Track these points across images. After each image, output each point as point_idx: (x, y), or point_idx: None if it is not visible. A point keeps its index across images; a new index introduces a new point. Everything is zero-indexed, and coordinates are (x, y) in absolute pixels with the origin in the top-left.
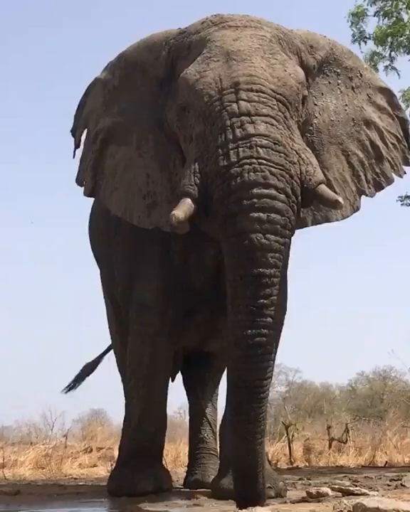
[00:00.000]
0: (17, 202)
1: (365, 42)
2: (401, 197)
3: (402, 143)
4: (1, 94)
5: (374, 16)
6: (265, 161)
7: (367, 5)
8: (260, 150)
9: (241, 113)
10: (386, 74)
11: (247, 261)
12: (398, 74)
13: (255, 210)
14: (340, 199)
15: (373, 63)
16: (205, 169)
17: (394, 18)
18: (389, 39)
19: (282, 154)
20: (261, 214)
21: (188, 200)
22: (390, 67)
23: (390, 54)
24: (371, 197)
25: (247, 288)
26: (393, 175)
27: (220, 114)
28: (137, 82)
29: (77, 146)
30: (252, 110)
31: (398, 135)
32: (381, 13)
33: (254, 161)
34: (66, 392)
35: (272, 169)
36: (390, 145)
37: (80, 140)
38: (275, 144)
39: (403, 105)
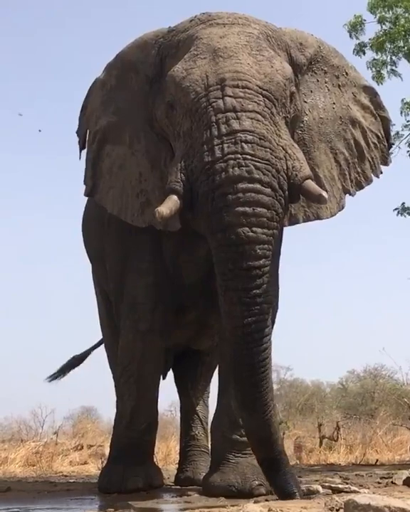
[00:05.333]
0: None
1: (363, 52)
2: (398, 208)
3: (382, 142)
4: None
5: (379, 22)
6: (249, 156)
7: (369, 10)
8: (244, 145)
9: (227, 109)
10: (391, 79)
11: (235, 255)
12: (401, 78)
13: (240, 204)
14: (324, 194)
15: (377, 69)
16: (191, 166)
17: (389, 25)
18: (387, 45)
19: (268, 149)
20: (247, 208)
21: (174, 197)
22: (391, 71)
23: (391, 58)
24: (353, 196)
25: (237, 281)
26: (372, 175)
27: (206, 110)
28: (130, 81)
29: (81, 147)
30: (237, 106)
31: (379, 134)
32: (378, 17)
33: (239, 156)
34: (50, 381)
35: (257, 164)
36: (371, 144)
37: (84, 141)
38: (260, 139)
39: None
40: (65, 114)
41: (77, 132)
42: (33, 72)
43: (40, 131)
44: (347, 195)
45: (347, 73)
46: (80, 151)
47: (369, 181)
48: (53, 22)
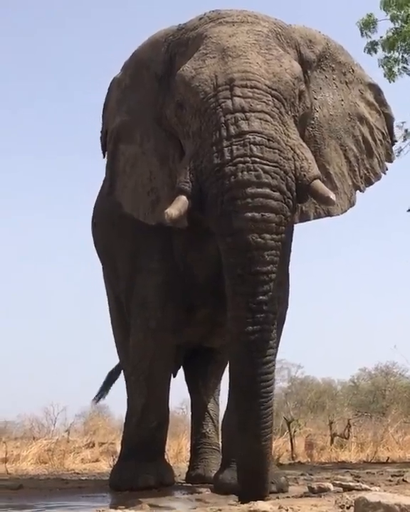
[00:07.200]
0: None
1: (375, 50)
2: None
3: (386, 139)
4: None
5: (391, 20)
6: (258, 159)
7: (382, 8)
8: (253, 147)
9: (235, 109)
10: (402, 76)
11: (244, 260)
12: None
13: (249, 209)
14: (332, 195)
15: (389, 67)
16: (200, 166)
17: (401, 23)
18: (399, 43)
19: (276, 150)
20: (255, 213)
21: (183, 197)
22: (403, 68)
23: (402, 56)
24: (362, 192)
25: (245, 286)
26: (380, 171)
27: (214, 110)
28: (142, 80)
29: (103, 145)
30: (246, 106)
31: (383, 131)
32: (389, 16)
33: (248, 159)
34: (96, 402)
35: (266, 167)
36: (378, 141)
37: (105, 140)
38: (268, 140)
39: None
40: (65, 114)
41: (101, 131)
42: (33, 72)
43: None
44: (357, 191)
45: (353, 70)
46: (103, 150)
47: (378, 177)
48: (53, 22)
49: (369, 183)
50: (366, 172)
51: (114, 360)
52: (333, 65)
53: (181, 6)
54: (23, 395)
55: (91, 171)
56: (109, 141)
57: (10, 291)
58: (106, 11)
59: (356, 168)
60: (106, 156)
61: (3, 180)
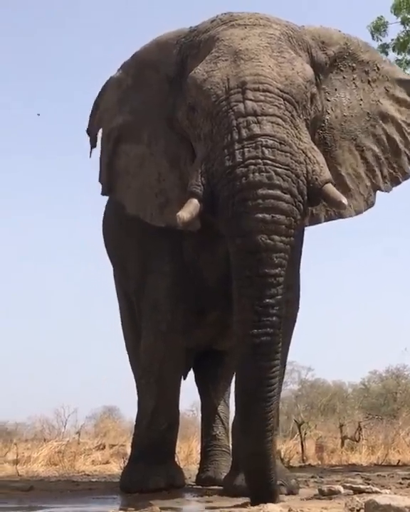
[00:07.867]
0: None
1: (386, 53)
2: None
3: None
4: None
5: (402, 24)
6: (270, 161)
7: (393, 12)
8: (265, 150)
9: (247, 113)
10: None
11: (252, 261)
12: None
13: (259, 210)
14: (344, 200)
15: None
16: (211, 169)
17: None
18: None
19: (288, 154)
20: (266, 215)
21: (195, 200)
22: None
23: None
24: (388, 192)
25: (253, 288)
26: None
27: (226, 114)
28: (149, 80)
29: (93, 145)
30: (258, 110)
31: None
32: (399, 19)
33: (259, 161)
34: None
35: (278, 169)
36: (408, 138)
37: (95, 140)
38: (280, 143)
39: None
40: (65, 114)
41: (87, 131)
42: (33, 72)
43: (38, 114)
44: (380, 191)
45: (378, 68)
46: (91, 149)
47: (407, 176)
48: (53, 22)
49: (396, 182)
50: (392, 171)
51: (114, 360)
52: (353, 65)
53: (181, 7)
54: (22, 395)
55: (91, 171)
56: (108, 141)
57: (10, 291)
58: (106, 11)
59: (377, 168)
60: (103, 154)
61: (3, 180)
